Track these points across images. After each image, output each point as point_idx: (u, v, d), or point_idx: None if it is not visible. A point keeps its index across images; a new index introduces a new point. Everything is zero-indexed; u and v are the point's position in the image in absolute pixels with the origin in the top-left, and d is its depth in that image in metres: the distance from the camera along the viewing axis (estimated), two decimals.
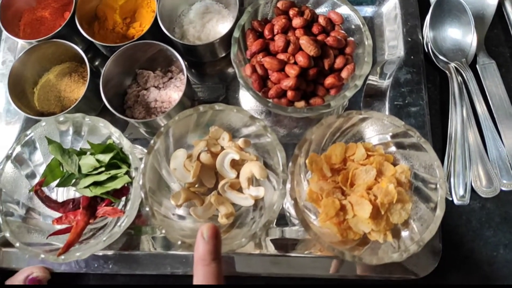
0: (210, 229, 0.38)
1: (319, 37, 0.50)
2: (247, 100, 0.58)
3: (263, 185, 0.50)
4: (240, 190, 0.50)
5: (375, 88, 0.55)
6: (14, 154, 0.48)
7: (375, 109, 0.54)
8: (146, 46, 0.52)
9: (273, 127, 0.57)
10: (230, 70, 0.59)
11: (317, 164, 0.48)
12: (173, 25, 0.58)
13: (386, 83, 0.55)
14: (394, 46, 0.56)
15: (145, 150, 0.55)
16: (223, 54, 0.58)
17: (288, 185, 0.44)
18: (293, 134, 0.56)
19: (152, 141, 0.46)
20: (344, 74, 0.50)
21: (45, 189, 0.50)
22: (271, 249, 0.51)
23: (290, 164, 0.45)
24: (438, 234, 0.49)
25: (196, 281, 0.36)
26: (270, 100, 0.49)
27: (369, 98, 0.54)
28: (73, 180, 0.51)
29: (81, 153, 0.50)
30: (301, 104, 0.50)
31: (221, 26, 0.56)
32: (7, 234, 0.45)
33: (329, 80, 0.49)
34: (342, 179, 0.48)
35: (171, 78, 0.56)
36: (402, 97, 0.53)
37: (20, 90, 0.54)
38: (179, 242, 0.43)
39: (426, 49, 0.57)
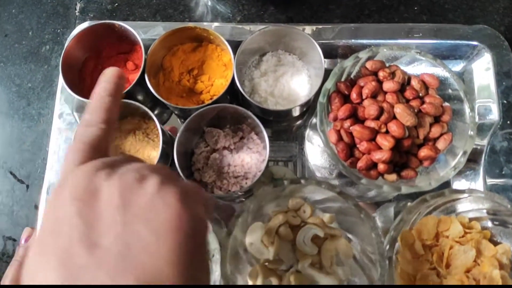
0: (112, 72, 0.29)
1: (413, 103, 0.45)
2: (317, 158, 0.54)
3: (347, 265, 0.46)
4: (321, 267, 0.46)
5: None
6: None
7: (468, 178, 0.49)
8: (221, 108, 0.48)
9: (344, 187, 0.53)
10: (301, 126, 0.55)
11: (407, 240, 0.44)
12: (242, 78, 0.53)
13: (479, 148, 0.50)
14: (487, 108, 0.51)
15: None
16: (298, 114, 0.53)
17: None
18: (365, 196, 0.52)
19: (230, 224, 0.42)
20: (440, 145, 0.45)
21: None
22: None
23: (387, 247, 0.41)
24: None
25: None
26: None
27: None
28: None
29: None
30: (392, 177, 0.45)
31: (295, 80, 0.52)
32: None
33: (424, 152, 0.45)
34: (436, 259, 0.43)
35: (242, 138, 0.51)
36: (498, 167, 0.49)
37: None
38: None
39: None
